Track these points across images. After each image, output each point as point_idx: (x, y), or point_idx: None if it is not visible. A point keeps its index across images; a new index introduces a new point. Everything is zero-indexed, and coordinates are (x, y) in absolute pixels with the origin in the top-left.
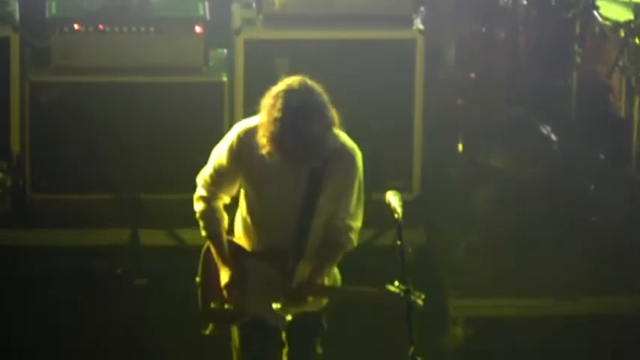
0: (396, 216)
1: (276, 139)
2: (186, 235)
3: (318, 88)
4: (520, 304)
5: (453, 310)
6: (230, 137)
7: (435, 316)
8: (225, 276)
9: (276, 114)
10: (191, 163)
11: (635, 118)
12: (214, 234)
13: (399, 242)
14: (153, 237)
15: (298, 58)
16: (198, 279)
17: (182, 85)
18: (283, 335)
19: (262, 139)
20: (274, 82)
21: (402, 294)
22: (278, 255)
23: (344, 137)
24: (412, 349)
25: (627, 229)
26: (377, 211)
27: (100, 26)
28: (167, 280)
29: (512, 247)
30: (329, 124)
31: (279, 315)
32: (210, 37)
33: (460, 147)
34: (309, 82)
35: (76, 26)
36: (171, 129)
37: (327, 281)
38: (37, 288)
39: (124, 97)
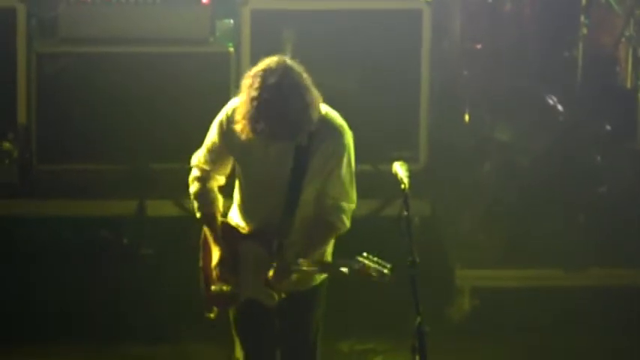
0: (402, 186)
1: (251, 118)
2: (192, 205)
3: (297, 67)
4: (526, 274)
5: (459, 281)
6: (220, 116)
7: (440, 286)
8: (216, 256)
9: (253, 92)
10: (197, 133)
11: None
12: (208, 214)
13: (405, 213)
14: (159, 207)
15: (304, 28)
16: (200, 263)
17: (188, 56)
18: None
19: (239, 118)
20: (281, 53)
21: (371, 266)
22: (266, 234)
23: (332, 115)
24: (419, 319)
25: (633, 201)
26: (384, 182)
27: None
28: (173, 250)
29: (518, 217)
30: (306, 104)
31: (270, 295)
32: (217, 8)
33: (466, 118)
34: (289, 61)
35: None
36: (177, 99)
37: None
38: (43, 258)
39: (131, 67)
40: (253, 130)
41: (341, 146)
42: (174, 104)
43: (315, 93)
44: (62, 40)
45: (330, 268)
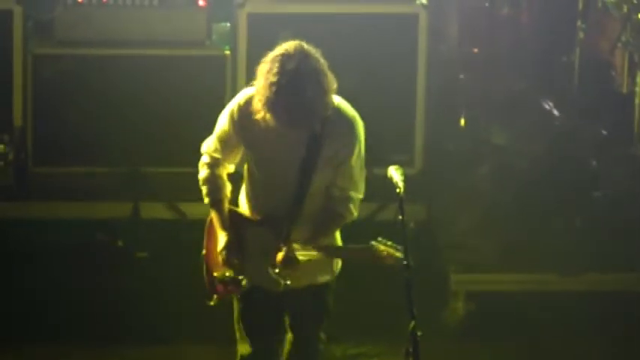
0: (397, 191)
1: (270, 103)
2: (186, 208)
3: (314, 53)
4: (522, 279)
5: (454, 285)
6: (232, 105)
7: (435, 290)
8: (222, 242)
9: (271, 78)
10: (193, 136)
11: (637, 93)
12: (215, 200)
13: (400, 217)
14: (154, 210)
15: (301, 31)
16: (203, 252)
17: (185, 59)
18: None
19: (257, 104)
20: None
21: (386, 249)
22: (274, 221)
23: (345, 106)
24: (413, 323)
25: (629, 205)
26: (379, 186)
27: None
28: (168, 253)
29: (514, 222)
30: (323, 90)
31: (276, 280)
32: (214, 11)
33: (462, 122)
34: (306, 46)
35: None
36: (174, 102)
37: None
38: (38, 260)
39: (127, 70)
40: (271, 115)
41: (353, 137)
42: (170, 107)
43: (331, 78)
44: (58, 43)
45: (341, 252)
